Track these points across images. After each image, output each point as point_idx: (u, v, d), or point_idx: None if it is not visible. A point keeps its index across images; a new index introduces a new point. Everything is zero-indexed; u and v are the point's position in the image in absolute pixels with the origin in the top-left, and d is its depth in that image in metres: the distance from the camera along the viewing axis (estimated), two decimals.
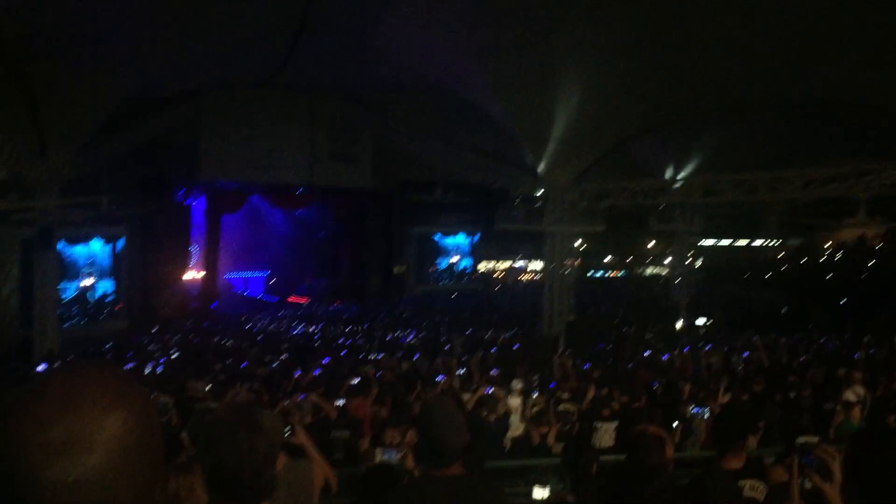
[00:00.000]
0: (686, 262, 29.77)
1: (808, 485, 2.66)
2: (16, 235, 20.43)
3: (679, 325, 25.05)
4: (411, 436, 6.82)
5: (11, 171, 13.68)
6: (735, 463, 3.92)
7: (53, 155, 17.77)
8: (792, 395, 10.08)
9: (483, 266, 43.34)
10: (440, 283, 38.68)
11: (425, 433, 2.92)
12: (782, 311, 29.08)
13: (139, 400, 1.10)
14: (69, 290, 23.42)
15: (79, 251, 23.92)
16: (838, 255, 40.27)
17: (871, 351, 16.21)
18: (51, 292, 19.38)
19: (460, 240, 40.12)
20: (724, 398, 9.45)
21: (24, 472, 0.99)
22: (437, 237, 39.03)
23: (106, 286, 25.23)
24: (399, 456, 5.33)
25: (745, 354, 15.89)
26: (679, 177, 23.83)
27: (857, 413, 7.88)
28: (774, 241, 41.06)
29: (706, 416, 8.25)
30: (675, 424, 8.18)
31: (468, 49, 17.58)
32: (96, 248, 24.72)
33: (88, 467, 1.01)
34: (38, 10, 13.27)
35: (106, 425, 1.02)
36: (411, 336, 21.69)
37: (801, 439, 3.06)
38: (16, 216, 18.14)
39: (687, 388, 10.38)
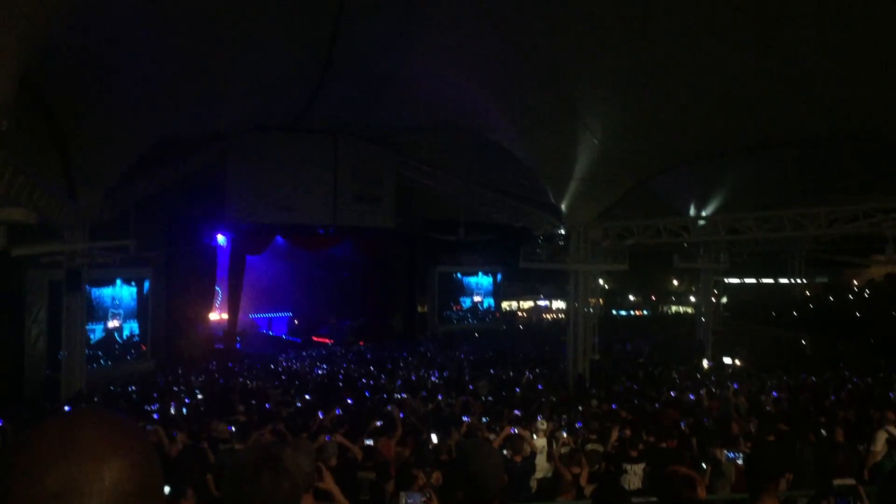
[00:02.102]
0: (711, 301, 29.46)
1: None
2: (44, 278, 20.67)
3: (705, 364, 24.74)
4: (437, 477, 6.73)
5: (41, 214, 13.83)
6: None
7: (82, 198, 18.01)
8: (823, 433, 9.87)
9: (506, 305, 43.26)
10: (464, 323, 38.64)
11: (464, 473, 2.89)
12: (810, 349, 28.66)
13: (138, 447, 1.06)
14: (96, 332, 23.62)
15: (105, 293, 24.15)
16: (866, 293, 39.79)
17: None
18: (78, 334, 19.51)
19: (483, 279, 40.15)
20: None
21: None
22: (460, 276, 39.10)
23: (132, 327, 25.41)
24: (424, 500, 5.24)
25: (775, 394, 15.61)
26: (702, 214, 23.70)
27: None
28: (801, 278, 40.62)
29: (740, 461, 8.07)
30: (704, 465, 8.02)
31: (490, 89, 17.72)
32: (122, 289, 24.96)
33: None
34: (68, 59, 13.57)
35: (102, 474, 0.99)
36: (434, 376, 21.55)
37: (838, 482, 2.98)
38: (44, 259, 18.36)
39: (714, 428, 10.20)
